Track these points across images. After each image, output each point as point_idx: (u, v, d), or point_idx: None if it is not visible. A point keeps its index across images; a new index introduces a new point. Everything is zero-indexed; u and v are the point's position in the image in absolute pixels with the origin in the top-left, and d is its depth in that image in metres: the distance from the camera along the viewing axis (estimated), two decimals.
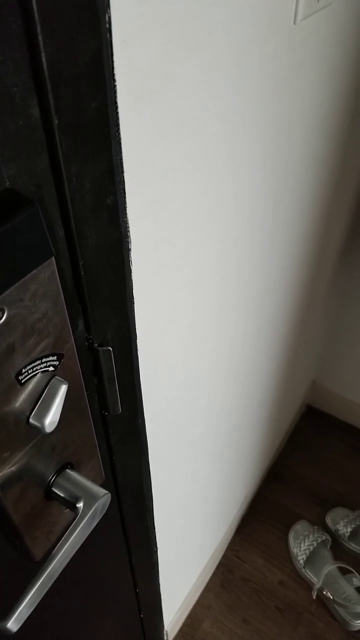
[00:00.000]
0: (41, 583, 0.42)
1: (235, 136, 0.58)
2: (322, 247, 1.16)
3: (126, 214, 0.44)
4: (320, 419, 2.02)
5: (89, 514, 0.45)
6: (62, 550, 0.43)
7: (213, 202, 0.59)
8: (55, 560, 0.43)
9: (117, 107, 0.39)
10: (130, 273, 0.48)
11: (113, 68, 0.37)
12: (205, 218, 0.59)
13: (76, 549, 0.45)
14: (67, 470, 0.48)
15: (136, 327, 0.54)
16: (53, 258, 0.35)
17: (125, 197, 0.43)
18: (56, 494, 0.47)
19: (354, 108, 0.94)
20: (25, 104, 0.32)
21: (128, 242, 0.46)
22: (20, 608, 0.41)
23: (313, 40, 0.67)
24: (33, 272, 0.33)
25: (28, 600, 0.41)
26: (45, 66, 0.32)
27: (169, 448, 0.82)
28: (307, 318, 1.34)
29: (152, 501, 0.83)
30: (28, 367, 0.37)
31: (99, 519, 0.47)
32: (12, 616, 0.40)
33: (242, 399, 1.09)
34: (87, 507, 0.45)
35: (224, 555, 1.66)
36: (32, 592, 0.41)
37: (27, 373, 0.37)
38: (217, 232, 0.64)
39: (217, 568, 1.64)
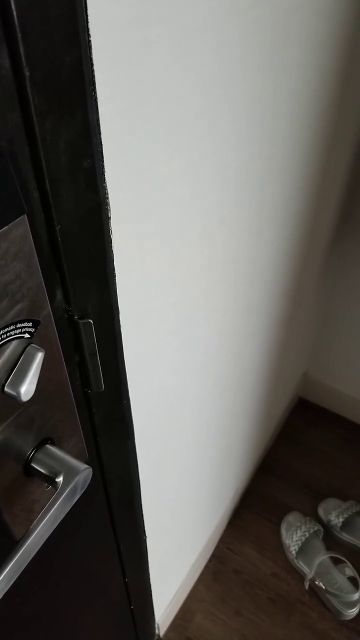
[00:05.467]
0: (19, 557, 0.41)
1: (218, 110, 0.57)
2: (312, 234, 1.15)
3: (104, 179, 0.43)
4: (312, 411, 2.01)
5: (69, 488, 0.44)
6: (41, 525, 0.42)
7: (195, 178, 0.58)
8: (34, 535, 0.42)
9: (92, 65, 0.37)
10: (111, 243, 0.47)
11: (87, 22, 0.36)
12: (189, 193, 0.58)
13: (56, 524, 0.44)
14: (47, 445, 0.47)
15: (119, 302, 0.53)
16: (25, 216, 0.34)
17: (103, 162, 0.42)
18: (35, 469, 0.46)
19: (342, 89, 0.93)
20: None
21: (107, 209, 0.45)
22: None
23: (297, 13, 0.66)
24: (4, 228, 0.32)
25: (5, 574, 0.40)
26: (15, 14, 0.31)
27: (157, 433, 0.80)
28: (297, 305, 1.34)
29: (140, 486, 0.81)
30: (1, 332, 0.36)
31: (79, 494, 0.46)
32: None
33: (233, 384, 1.09)
34: (66, 481, 0.44)
35: (216, 548, 1.65)
36: (9, 566, 0.40)
37: (0, 338, 0.36)
38: (201, 209, 0.63)
39: (209, 560, 1.63)
